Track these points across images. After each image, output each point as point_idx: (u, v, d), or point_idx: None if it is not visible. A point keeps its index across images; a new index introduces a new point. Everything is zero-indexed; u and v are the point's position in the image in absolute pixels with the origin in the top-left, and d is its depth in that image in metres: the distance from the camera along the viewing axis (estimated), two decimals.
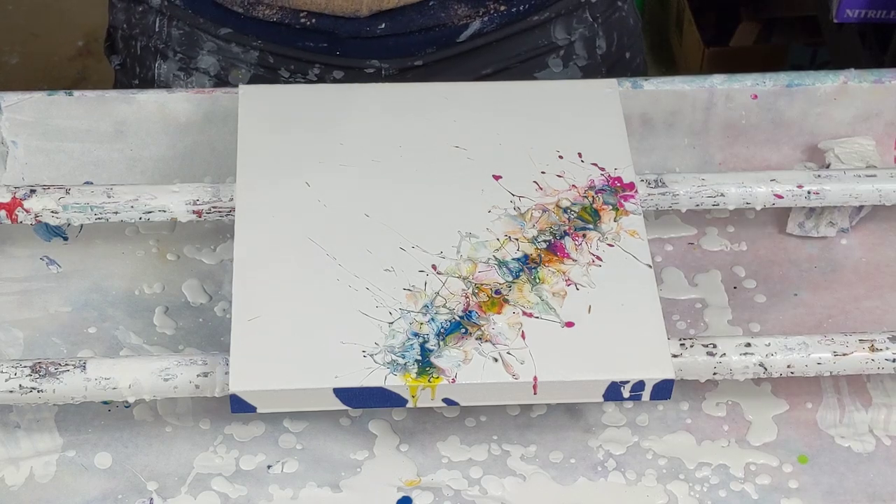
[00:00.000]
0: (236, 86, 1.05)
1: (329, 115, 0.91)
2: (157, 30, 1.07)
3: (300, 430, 0.88)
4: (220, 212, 0.90)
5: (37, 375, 0.81)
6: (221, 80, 1.06)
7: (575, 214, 0.87)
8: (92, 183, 0.97)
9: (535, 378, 0.79)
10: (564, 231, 0.86)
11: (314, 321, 0.81)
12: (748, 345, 0.84)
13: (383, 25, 1.02)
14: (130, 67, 1.11)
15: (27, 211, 0.89)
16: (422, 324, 0.81)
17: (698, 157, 1.02)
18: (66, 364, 0.82)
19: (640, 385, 0.80)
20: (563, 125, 0.92)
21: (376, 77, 1.05)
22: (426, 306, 0.82)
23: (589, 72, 1.08)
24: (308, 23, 1.02)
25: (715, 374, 0.84)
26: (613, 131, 0.92)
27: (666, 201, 0.92)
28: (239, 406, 0.79)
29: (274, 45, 1.05)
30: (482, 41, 1.05)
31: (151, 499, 0.84)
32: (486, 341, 0.80)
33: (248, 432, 0.88)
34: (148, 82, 1.09)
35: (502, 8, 1.03)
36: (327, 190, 0.87)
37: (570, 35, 1.07)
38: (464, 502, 0.85)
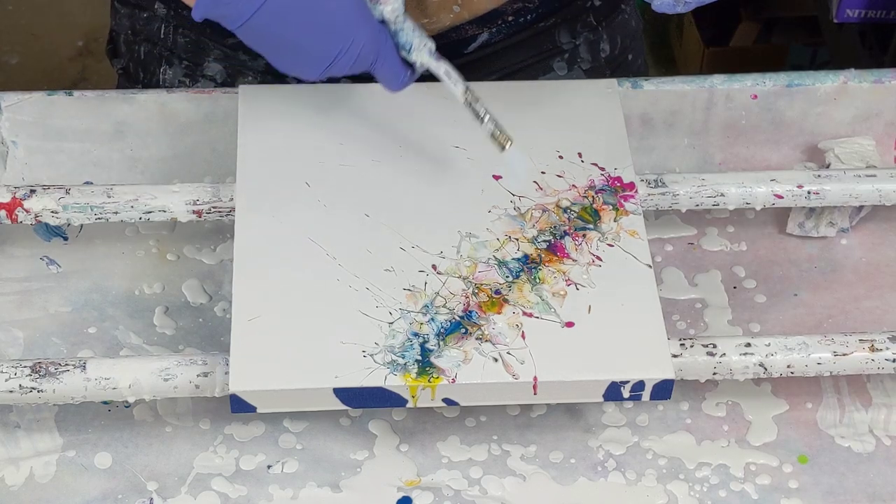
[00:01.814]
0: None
1: (329, 115, 0.91)
2: (162, 37, 1.07)
3: (300, 430, 0.88)
4: (220, 212, 0.90)
5: (37, 375, 0.81)
6: (228, 87, 1.06)
7: (575, 214, 0.87)
8: (92, 183, 0.97)
9: (535, 378, 0.79)
10: (564, 231, 0.86)
11: (314, 321, 0.81)
12: (748, 345, 0.84)
13: None
14: (134, 72, 1.10)
15: (27, 211, 0.89)
16: (422, 324, 0.81)
17: (698, 157, 1.02)
18: (66, 364, 0.82)
19: (640, 385, 0.80)
20: (563, 125, 0.92)
21: None
22: (426, 306, 0.82)
23: (593, 74, 1.08)
24: None
25: (715, 374, 0.84)
26: (613, 131, 0.92)
27: (666, 201, 0.92)
28: (239, 406, 0.79)
29: None
30: (489, 50, 1.05)
31: (151, 499, 0.84)
32: (486, 341, 0.80)
33: (248, 432, 0.88)
34: (152, 87, 1.08)
35: (510, 19, 1.04)
36: (327, 190, 0.87)
37: (575, 39, 1.07)
38: (464, 502, 0.85)
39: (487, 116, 0.83)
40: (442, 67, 0.82)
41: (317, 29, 0.77)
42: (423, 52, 0.81)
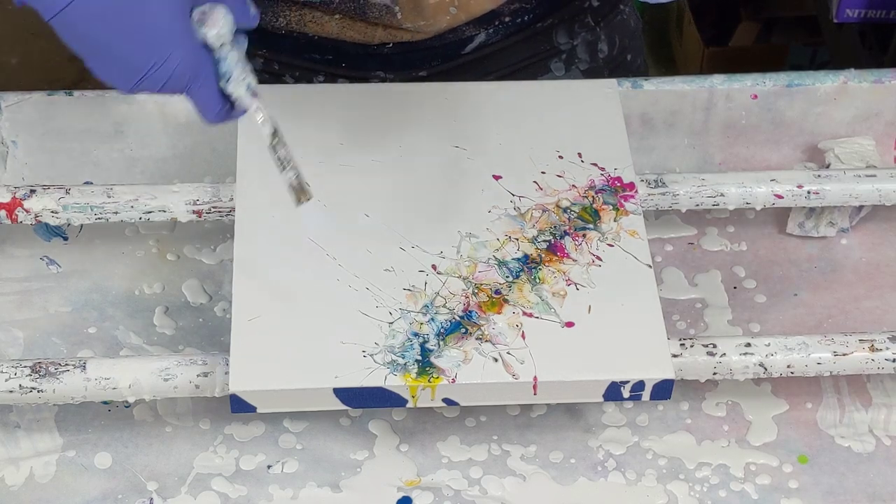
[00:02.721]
0: None
1: (329, 115, 0.91)
2: None
3: (300, 430, 0.88)
4: (220, 212, 0.90)
5: (37, 375, 0.81)
6: None
7: (575, 214, 0.87)
8: (92, 183, 0.97)
9: (535, 378, 0.79)
10: (564, 231, 0.86)
11: (314, 321, 0.81)
12: (748, 345, 0.84)
13: (391, 44, 1.02)
14: None
15: (27, 211, 0.89)
16: (422, 324, 0.81)
17: (698, 157, 1.02)
18: (66, 364, 0.82)
19: (640, 385, 0.80)
20: (563, 125, 0.92)
21: None
22: (426, 306, 0.82)
23: (590, 75, 1.08)
24: (315, 37, 1.02)
25: (715, 374, 0.84)
26: (613, 131, 0.92)
27: (666, 201, 0.92)
28: (239, 406, 0.79)
29: (280, 55, 1.04)
30: (486, 51, 1.05)
31: (151, 499, 0.84)
32: (486, 341, 0.80)
33: (248, 432, 0.88)
34: None
35: (507, 19, 1.03)
36: (327, 190, 0.87)
37: (573, 39, 1.07)
38: (464, 502, 0.85)
39: (290, 165, 0.78)
40: (254, 105, 0.77)
41: (130, 36, 0.73)
42: (240, 86, 0.76)
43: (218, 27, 0.75)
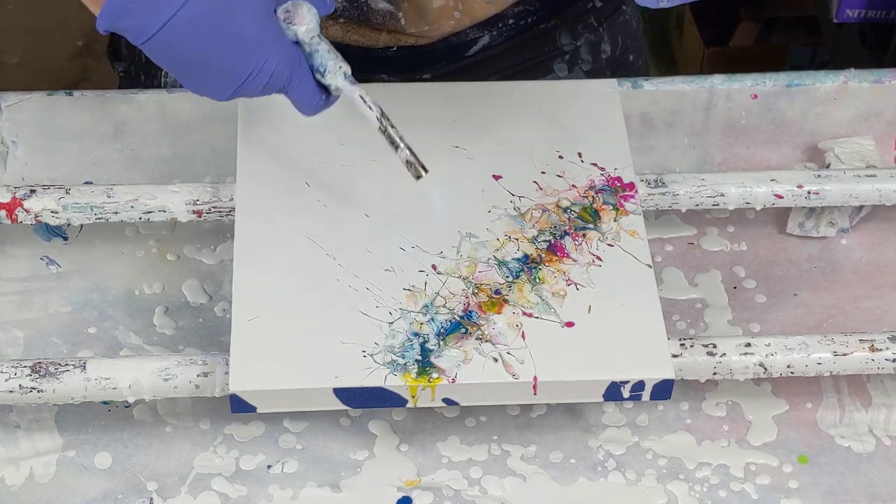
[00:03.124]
0: None
1: (329, 115, 0.91)
2: None
3: (300, 430, 0.88)
4: (220, 212, 0.90)
5: (37, 375, 0.81)
6: None
7: (575, 214, 0.87)
8: (92, 183, 0.97)
9: (535, 378, 0.79)
10: (564, 231, 0.86)
11: (314, 321, 0.81)
12: (748, 345, 0.84)
13: (395, 48, 1.02)
14: (135, 75, 1.10)
15: (27, 211, 0.89)
16: (422, 324, 0.81)
17: (698, 157, 1.02)
18: (66, 364, 0.82)
19: (640, 385, 0.80)
20: (563, 125, 0.92)
21: None
22: (426, 306, 0.82)
23: (593, 75, 1.08)
24: None
25: (715, 374, 0.84)
26: (613, 131, 0.92)
27: (666, 201, 0.92)
28: (239, 406, 0.79)
29: None
30: (490, 52, 1.05)
31: (151, 499, 0.84)
32: (486, 341, 0.80)
33: (248, 432, 0.88)
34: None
35: (510, 21, 1.04)
36: (327, 190, 0.87)
37: (576, 40, 1.07)
38: (464, 502, 0.85)
39: (402, 143, 0.80)
40: (356, 92, 0.78)
41: (226, 47, 0.73)
42: (337, 76, 0.78)
43: (307, 22, 0.76)
